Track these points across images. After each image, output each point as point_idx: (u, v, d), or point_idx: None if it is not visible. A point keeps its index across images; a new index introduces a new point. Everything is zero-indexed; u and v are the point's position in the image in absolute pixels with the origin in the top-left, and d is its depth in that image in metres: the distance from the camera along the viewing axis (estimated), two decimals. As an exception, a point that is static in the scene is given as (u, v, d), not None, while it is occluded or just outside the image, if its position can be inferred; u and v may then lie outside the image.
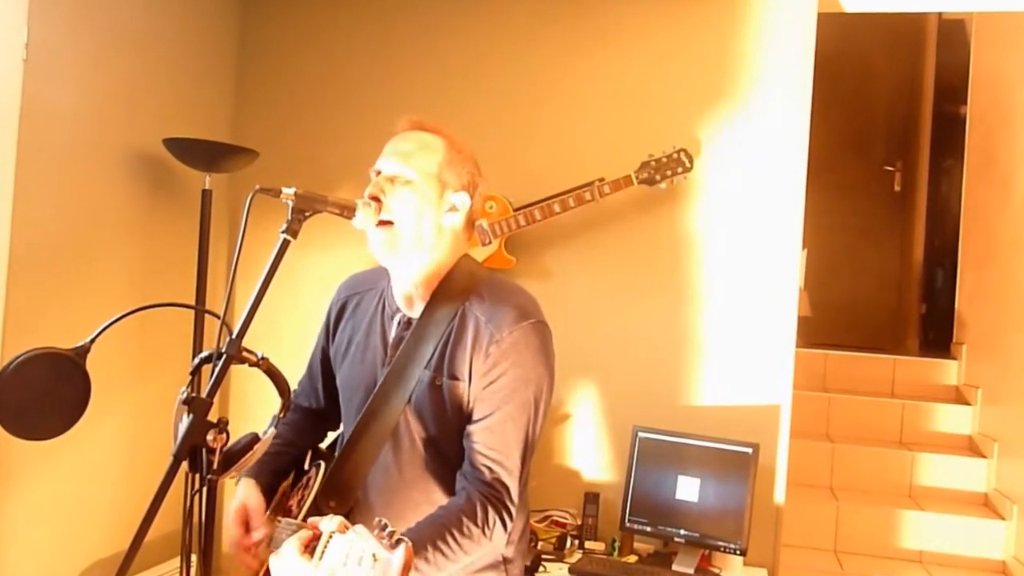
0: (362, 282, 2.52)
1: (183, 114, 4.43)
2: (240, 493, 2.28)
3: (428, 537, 2.01)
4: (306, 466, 2.53)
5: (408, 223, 2.16)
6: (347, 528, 1.74)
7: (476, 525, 2.08)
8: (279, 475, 2.44)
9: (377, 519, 1.69)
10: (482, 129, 4.36)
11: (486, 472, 2.14)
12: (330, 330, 2.53)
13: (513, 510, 2.16)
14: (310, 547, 1.78)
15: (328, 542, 1.73)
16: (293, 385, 2.26)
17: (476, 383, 2.17)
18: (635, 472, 3.94)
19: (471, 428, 2.17)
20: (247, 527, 2.24)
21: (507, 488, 2.14)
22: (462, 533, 2.05)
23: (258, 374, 2.11)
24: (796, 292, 4.08)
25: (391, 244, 2.15)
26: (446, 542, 2.02)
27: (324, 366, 2.56)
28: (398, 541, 1.63)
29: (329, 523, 1.77)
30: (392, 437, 2.25)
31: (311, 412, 2.63)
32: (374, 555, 1.63)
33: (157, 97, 4.25)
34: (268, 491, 2.35)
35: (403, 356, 2.24)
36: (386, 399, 2.25)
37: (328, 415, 2.58)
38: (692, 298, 4.16)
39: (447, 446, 2.22)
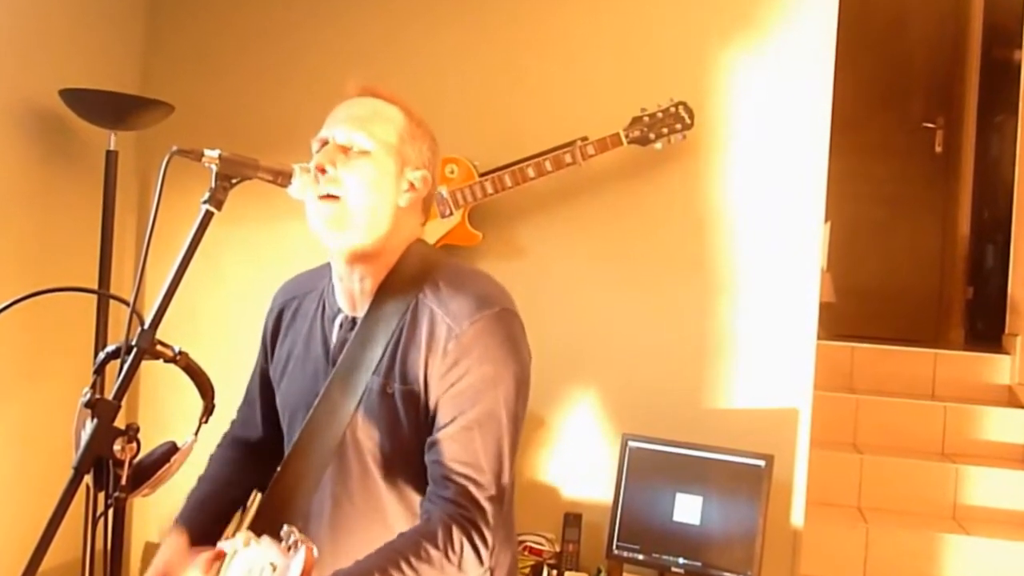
0: (299, 285, 2.53)
1: (83, 60, 4.42)
2: (165, 550, 2.27)
3: (375, 564, 2.00)
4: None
5: (361, 199, 2.16)
6: (250, 542, 1.78)
7: (437, 548, 2.04)
8: (220, 520, 2.43)
9: (285, 527, 1.72)
10: (442, 78, 4.37)
11: (451, 488, 2.12)
12: (267, 347, 2.54)
13: (488, 534, 2.13)
14: (213, 569, 1.84)
15: (232, 559, 1.78)
16: (219, 385, 2.27)
17: (435, 387, 2.17)
18: (625, 489, 3.96)
19: (432, 440, 2.17)
20: None
21: (478, 506, 2.12)
22: (419, 557, 2.02)
23: (174, 372, 2.12)
24: (818, 274, 4.11)
25: (338, 220, 2.15)
26: (399, 568, 1.99)
27: (264, 390, 2.57)
28: (298, 545, 1.68)
29: (234, 541, 1.80)
30: (337, 458, 2.25)
31: (253, 447, 2.62)
32: (272, 564, 1.69)
33: (52, 40, 4.24)
34: (206, 540, 2.30)
35: (347, 362, 2.25)
36: (328, 413, 2.25)
37: (274, 449, 2.52)
38: (693, 282, 4.20)
39: (406, 468, 2.23)
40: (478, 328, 2.15)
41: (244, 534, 1.81)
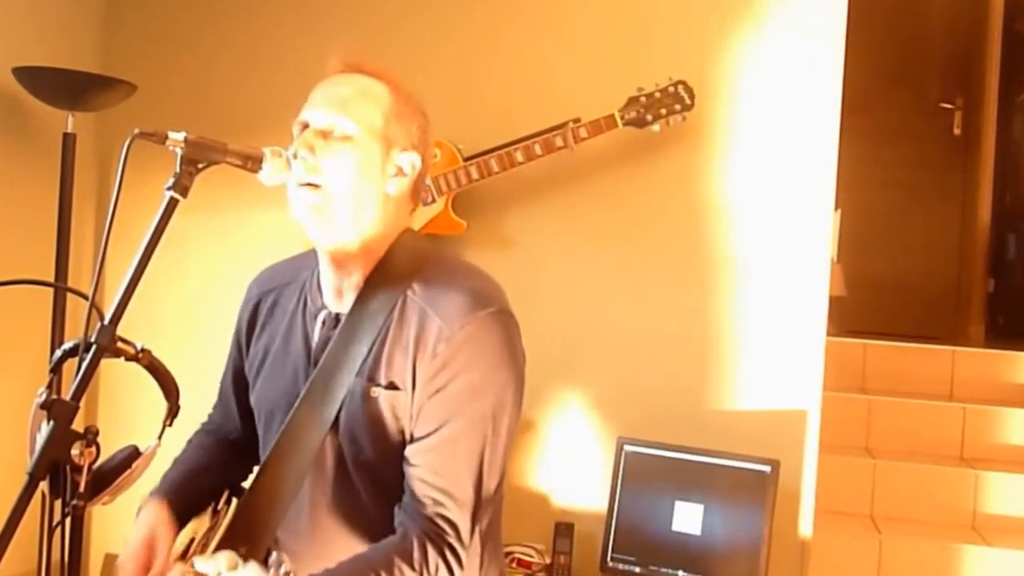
0: (278, 275, 2.52)
1: (39, 36, 4.41)
2: (146, 517, 2.27)
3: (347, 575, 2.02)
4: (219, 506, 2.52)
5: (344, 187, 2.14)
6: (236, 566, 1.78)
7: (412, 568, 2.05)
8: (193, 507, 2.42)
9: (273, 554, 1.73)
10: (424, 55, 4.36)
11: (428, 504, 2.12)
12: (242, 342, 2.53)
13: (462, 553, 2.14)
14: None
15: None
16: (185, 386, 2.27)
17: (421, 391, 2.15)
18: (620, 496, 3.97)
19: (411, 449, 2.16)
20: (148, 566, 2.22)
21: (454, 525, 2.12)
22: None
23: (137, 371, 2.12)
24: (827, 266, 4.11)
25: (320, 210, 2.14)
26: None
27: (238, 387, 2.57)
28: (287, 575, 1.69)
29: (216, 562, 1.79)
30: (316, 465, 2.25)
31: (231, 442, 2.62)
32: None
33: (5, 14, 4.22)
34: (177, 523, 2.33)
35: (329, 361, 2.23)
36: (309, 416, 2.23)
37: (250, 447, 2.52)
38: (693, 275, 4.20)
39: (388, 477, 2.22)
40: (470, 330, 2.13)
41: (228, 556, 1.80)
